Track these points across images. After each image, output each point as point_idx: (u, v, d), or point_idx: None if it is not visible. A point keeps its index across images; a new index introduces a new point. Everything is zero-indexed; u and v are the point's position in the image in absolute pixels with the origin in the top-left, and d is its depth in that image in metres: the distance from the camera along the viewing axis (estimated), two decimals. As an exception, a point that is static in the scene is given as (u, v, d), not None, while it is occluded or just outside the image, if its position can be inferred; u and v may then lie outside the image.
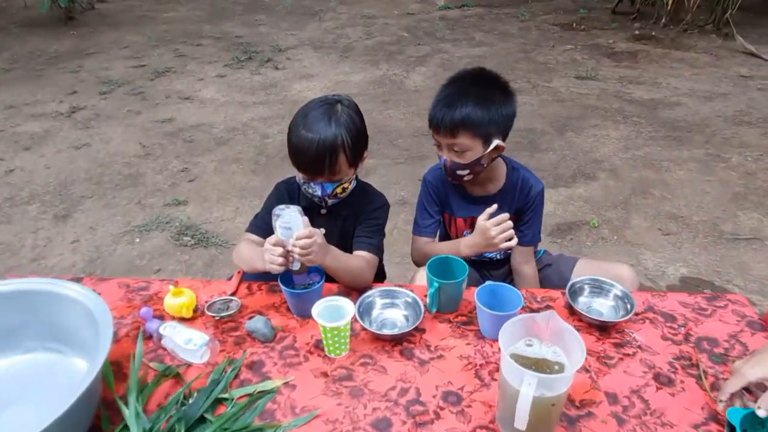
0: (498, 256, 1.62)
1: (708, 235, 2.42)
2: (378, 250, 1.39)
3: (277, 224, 1.21)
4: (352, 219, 1.42)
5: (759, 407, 0.89)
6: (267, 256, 1.21)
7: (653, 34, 5.51)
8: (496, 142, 1.36)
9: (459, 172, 1.40)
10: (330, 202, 1.36)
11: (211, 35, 6.15)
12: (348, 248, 1.39)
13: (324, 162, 1.24)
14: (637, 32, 5.58)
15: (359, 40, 5.80)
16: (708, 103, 3.85)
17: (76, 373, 1.12)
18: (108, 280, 1.42)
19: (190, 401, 1.04)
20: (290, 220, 1.19)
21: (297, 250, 1.18)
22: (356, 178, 1.41)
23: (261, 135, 3.62)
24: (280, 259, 1.20)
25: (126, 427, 0.98)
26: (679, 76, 4.36)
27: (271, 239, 1.21)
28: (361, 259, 1.33)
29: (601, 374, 1.11)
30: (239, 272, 1.43)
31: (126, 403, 1.01)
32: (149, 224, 2.63)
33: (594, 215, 2.59)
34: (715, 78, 4.32)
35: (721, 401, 0.96)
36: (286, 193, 1.44)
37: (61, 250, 2.49)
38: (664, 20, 5.66)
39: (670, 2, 5.49)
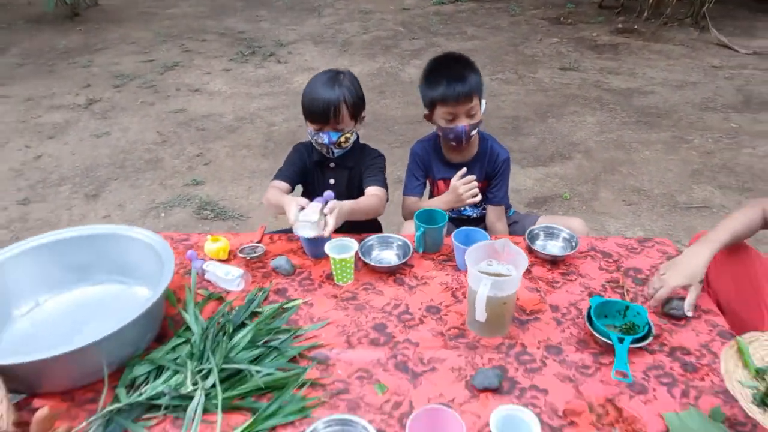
0: (475, 215, 1.95)
1: (665, 205, 2.75)
2: (384, 185, 1.73)
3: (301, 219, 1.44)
4: (356, 169, 1.76)
5: (688, 309, 1.31)
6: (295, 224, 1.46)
7: (635, 27, 5.82)
8: (484, 100, 1.72)
9: (472, 133, 1.69)
10: (336, 152, 1.69)
11: (214, 31, 6.43)
12: (354, 192, 1.73)
13: (330, 112, 1.59)
14: (620, 26, 5.90)
15: (357, 34, 6.10)
16: (678, 92, 4.17)
17: (140, 298, 1.44)
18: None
19: (233, 314, 1.36)
20: (311, 217, 1.43)
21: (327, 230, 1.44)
22: (357, 137, 1.74)
23: (268, 123, 3.93)
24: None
25: (188, 328, 1.30)
26: (654, 67, 4.69)
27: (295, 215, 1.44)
28: (373, 196, 1.66)
29: (549, 293, 1.44)
30: (262, 227, 1.76)
31: (186, 311, 1.33)
32: (172, 201, 2.94)
33: (567, 189, 2.92)
34: (688, 68, 4.65)
35: (653, 306, 1.34)
36: (304, 150, 1.79)
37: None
38: (646, 14, 5.98)
39: (651, -3, 5.82)
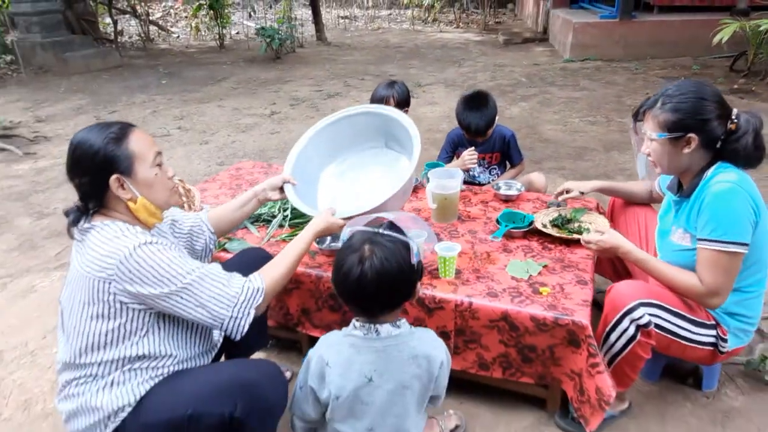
0: (485, 181, 2.87)
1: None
2: None
3: None
4: None
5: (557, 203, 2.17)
6: None
7: (752, 88, 5.99)
8: (496, 120, 2.71)
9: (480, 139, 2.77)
10: None
11: (372, 73, 8.05)
12: None
13: (382, 101, 2.71)
14: (736, 86, 6.10)
15: (483, 81, 7.20)
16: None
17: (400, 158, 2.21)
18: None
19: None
20: None
21: None
22: None
23: (387, 136, 5.17)
24: None
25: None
26: (745, 121, 4.94)
27: None
28: None
29: (490, 213, 2.34)
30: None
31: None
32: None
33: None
34: (784, 125, 4.82)
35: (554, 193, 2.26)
36: None
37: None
38: (769, 78, 6.09)
39: (776, 61, 5.94)
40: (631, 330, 1.65)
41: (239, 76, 8.28)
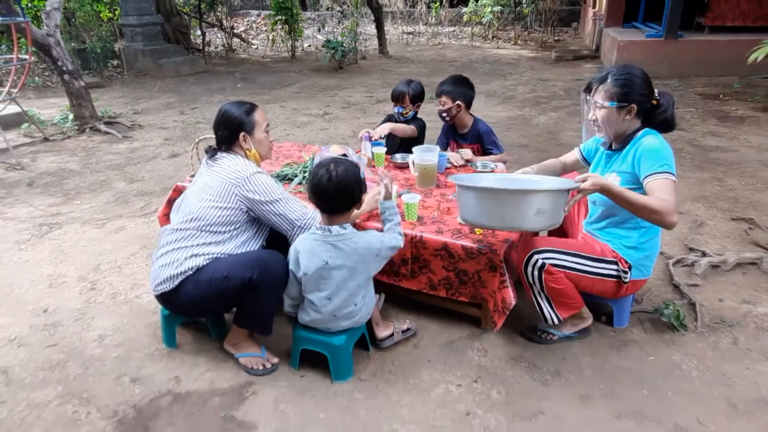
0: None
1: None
2: (416, 126, 3.41)
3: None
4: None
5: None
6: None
7: (788, 108, 6.10)
8: (457, 101, 3.26)
9: (443, 114, 3.32)
10: (401, 118, 3.46)
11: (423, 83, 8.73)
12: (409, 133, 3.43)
13: (399, 97, 3.39)
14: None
15: (522, 93, 7.69)
16: (762, 154, 4.68)
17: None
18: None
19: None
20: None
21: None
22: (415, 114, 3.46)
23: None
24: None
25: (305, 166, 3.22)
26: (760, 135, 5.14)
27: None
28: (406, 126, 3.37)
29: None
30: (358, 150, 3.62)
31: (309, 160, 3.26)
32: (342, 160, 5.03)
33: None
34: (798, 140, 4.99)
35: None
36: (389, 117, 3.59)
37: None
38: (806, 97, 6.16)
39: (813, 81, 6.02)
40: (536, 273, 2.19)
41: (303, 82, 9.26)
